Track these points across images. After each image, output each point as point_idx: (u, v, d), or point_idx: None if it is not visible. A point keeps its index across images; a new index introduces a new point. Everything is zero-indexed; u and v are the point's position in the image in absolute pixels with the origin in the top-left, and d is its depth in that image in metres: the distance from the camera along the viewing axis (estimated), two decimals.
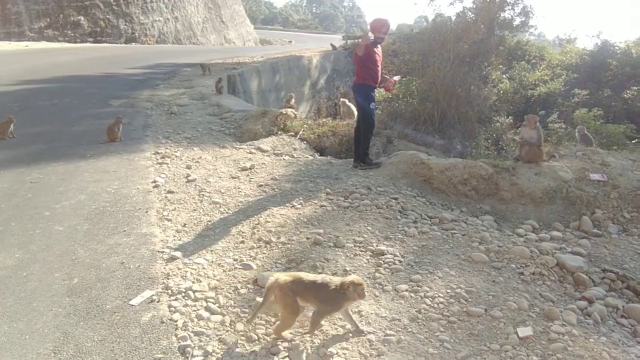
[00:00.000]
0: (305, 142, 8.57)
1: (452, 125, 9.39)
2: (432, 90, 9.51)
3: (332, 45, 27.69)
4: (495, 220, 5.46)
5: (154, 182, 5.72)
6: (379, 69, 6.34)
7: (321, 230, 4.39)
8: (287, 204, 5.11)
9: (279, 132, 8.78)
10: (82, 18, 29.53)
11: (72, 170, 6.16)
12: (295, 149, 8.10)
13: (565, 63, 20.25)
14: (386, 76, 6.68)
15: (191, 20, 35.94)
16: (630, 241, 5.26)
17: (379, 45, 6.37)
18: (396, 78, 6.56)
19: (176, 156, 6.96)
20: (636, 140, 12.10)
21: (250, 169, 6.52)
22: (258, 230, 4.46)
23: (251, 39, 43.86)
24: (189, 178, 5.91)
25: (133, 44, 30.40)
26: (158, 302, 3.36)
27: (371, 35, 6.30)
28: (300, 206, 5.05)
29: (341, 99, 9.83)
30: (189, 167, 6.43)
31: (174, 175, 6.07)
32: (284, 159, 7.24)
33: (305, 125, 9.13)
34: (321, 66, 25.82)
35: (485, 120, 10.63)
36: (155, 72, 16.57)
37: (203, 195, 5.38)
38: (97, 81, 13.55)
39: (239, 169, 6.52)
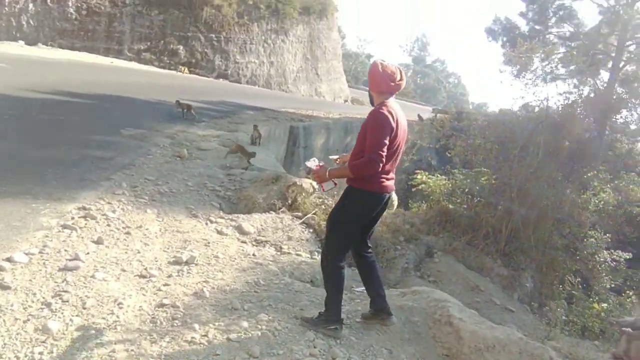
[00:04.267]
0: (311, 230, 6.25)
1: (525, 249, 6.64)
2: (506, 192, 6.86)
3: (419, 116, 25.62)
4: None
5: (8, 259, 3.63)
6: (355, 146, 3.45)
7: None
8: None
9: (282, 209, 6.54)
10: (181, 47, 29.90)
11: None
12: (289, 239, 5.79)
13: None
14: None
15: (286, 67, 35.60)
16: None
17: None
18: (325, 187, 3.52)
19: (106, 218, 4.90)
20: None
21: (185, 263, 4.28)
22: None
23: (343, 96, 42.94)
24: (69, 264, 3.75)
25: (221, 80, 30.23)
26: None
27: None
28: None
29: None
30: (98, 242, 4.31)
31: (59, 252, 3.95)
32: (255, 254, 4.93)
33: (323, 206, 6.85)
34: None
35: (574, 249, 7.65)
36: (213, 108, 15.24)
37: (50, 305, 3.18)
38: (136, 107, 12.25)
39: (171, 261, 4.30)
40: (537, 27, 26.60)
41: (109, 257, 4.09)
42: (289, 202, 6.68)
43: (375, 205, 3.41)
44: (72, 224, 4.52)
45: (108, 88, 13.66)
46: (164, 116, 11.46)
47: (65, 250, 3.99)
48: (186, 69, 26.96)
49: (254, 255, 4.90)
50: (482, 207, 6.90)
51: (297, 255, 5.39)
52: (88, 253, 4.05)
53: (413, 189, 9.09)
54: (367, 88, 3.46)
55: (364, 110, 28.38)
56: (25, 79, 11.98)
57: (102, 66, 20.40)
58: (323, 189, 3.63)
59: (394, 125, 3.23)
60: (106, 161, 6.96)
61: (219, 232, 5.39)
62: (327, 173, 3.41)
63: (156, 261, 4.24)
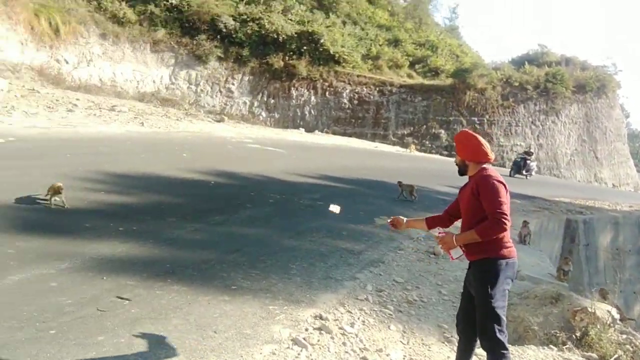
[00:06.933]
0: None
1: None
2: None
3: None
4: None
5: None
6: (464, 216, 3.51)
7: None
8: None
9: (567, 345, 4.80)
10: (443, 131, 29.90)
11: (160, 304, 4.03)
12: None
13: None
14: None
15: (557, 150, 32.14)
16: None
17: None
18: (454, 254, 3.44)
19: (342, 333, 4.10)
20: None
21: None
22: None
23: (630, 183, 36.47)
24: None
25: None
26: None
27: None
28: None
29: None
30: None
31: None
32: None
33: (628, 347, 4.84)
34: None
35: None
36: None
37: None
38: (393, 192, 11.87)
39: None
40: None
41: None
42: (577, 335, 4.90)
43: (513, 271, 3.39)
44: (305, 338, 3.84)
45: (369, 172, 13.81)
46: (420, 203, 10.74)
47: None
48: (414, 147, 26.43)
49: None
50: None
51: None
52: None
53: None
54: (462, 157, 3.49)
55: None
56: (296, 163, 12.92)
57: (366, 150, 21.40)
58: (452, 258, 3.50)
59: (506, 186, 3.31)
60: (354, 255, 6.40)
61: None
62: (454, 239, 3.38)
63: None
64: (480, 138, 3.49)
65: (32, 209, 5.91)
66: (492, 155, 3.45)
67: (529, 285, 6.12)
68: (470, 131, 3.61)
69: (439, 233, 3.59)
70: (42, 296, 3.72)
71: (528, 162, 23.12)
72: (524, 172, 22.66)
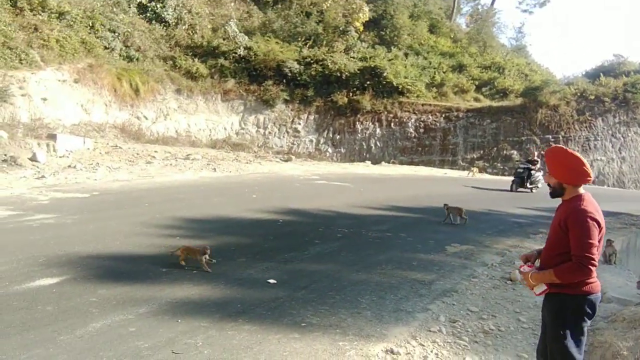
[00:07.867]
0: None
1: None
2: None
3: None
4: None
5: None
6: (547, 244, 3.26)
7: None
8: None
9: None
10: (515, 152, 28.90)
11: (231, 345, 4.08)
12: None
13: None
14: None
15: None
16: None
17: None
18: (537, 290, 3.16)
19: None
20: None
21: None
22: None
23: None
24: None
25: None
26: None
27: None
28: None
29: None
30: None
31: None
32: None
33: None
34: None
35: None
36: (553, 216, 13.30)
37: None
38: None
39: None
40: None
41: None
42: None
43: (594, 307, 3.10)
44: None
45: (437, 200, 13.47)
46: (494, 229, 10.36)
47: None
48: (477, 169, 25.36)
49: None
50: None
51: None
52: None
53: None
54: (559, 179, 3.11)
55: None
56: (363, 196, 12.95)
57: (435, 178, 21.04)
58: (535, 293, 3.21)
59: (601, 222, 2.99)
60: (425, 286, 6.25)
61: None
62: (530, 276, 3.15)
63: None
64: (579, 155, 3.07)
65: (113, 258, 6.32)
66: (592, 174, 3.10)
67: (616, 307, 5.67)
68: (567, 148, 3.17)
69: (521, 267, 3.34)
70: (121, 341, 3.94)
71: (533, 172, 18.75)
72: (527, 184, 18.53)
